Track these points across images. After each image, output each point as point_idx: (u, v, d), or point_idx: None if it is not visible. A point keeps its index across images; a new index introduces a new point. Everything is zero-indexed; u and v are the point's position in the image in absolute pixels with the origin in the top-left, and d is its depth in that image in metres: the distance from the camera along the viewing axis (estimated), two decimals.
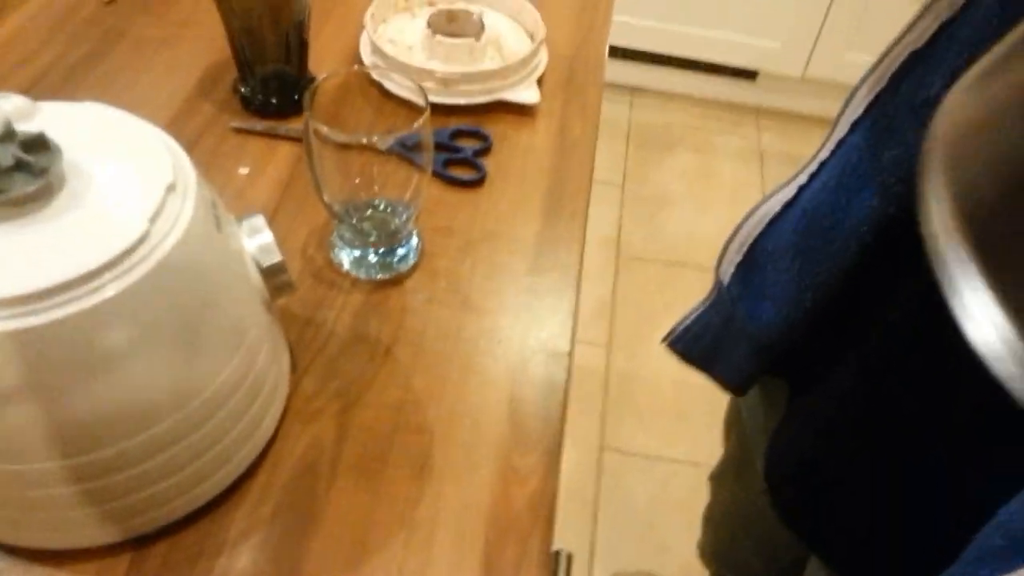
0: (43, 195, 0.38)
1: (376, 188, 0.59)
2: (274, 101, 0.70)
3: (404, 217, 0.60)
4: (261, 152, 0.68)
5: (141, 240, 0.37)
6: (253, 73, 0.70)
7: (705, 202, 1.99)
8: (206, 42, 0.76)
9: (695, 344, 0.61)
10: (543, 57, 0.78)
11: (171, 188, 0.40)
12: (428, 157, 0.57)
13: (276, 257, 0.47)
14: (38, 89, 0.70)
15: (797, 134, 2.18)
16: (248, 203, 0.64)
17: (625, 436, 1.51)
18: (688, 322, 0.61)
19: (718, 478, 0.85)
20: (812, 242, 0.49)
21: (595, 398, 1.56)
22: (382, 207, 0.60)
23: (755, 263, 0.54)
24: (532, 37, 0.80)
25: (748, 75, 2.15)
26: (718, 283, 0.57)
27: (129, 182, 0.40)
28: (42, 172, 0.38)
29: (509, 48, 0.78)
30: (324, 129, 0.53)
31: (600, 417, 1.53)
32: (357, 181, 0.58)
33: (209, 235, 0.42)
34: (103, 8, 0.79)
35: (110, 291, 0.36)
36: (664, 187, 2.01)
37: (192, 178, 0.42)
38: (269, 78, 0.70)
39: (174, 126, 0.69)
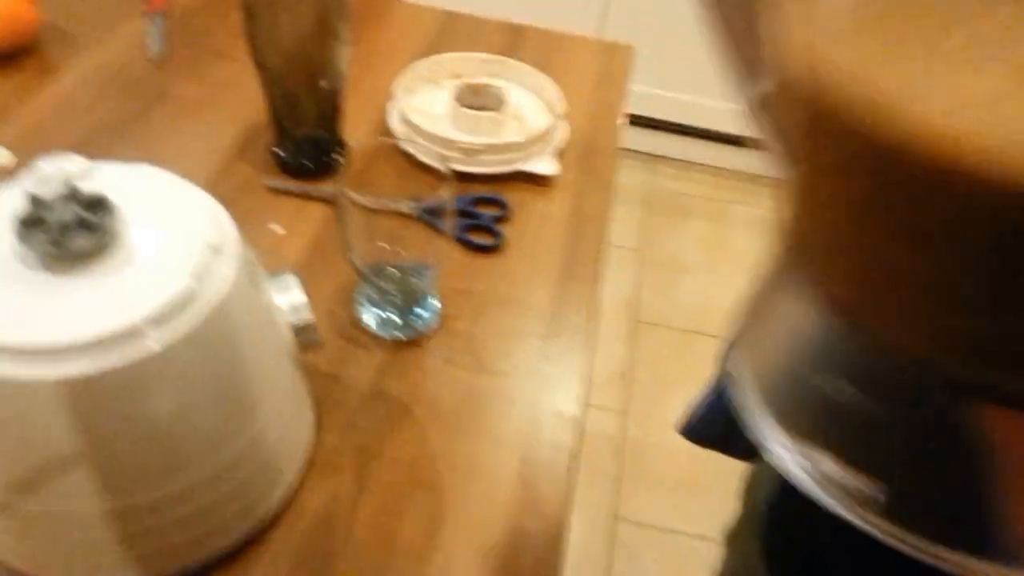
0: (99, 251, 0.41)
1: (400, 251, 0.62)
2: (308, 163, 0.74)
3: (425, 279, 0.63)
4: (294, 211, 0.71)
5: (187, 298, 0.41)
6: (289, 136, 0.74)
7: (720, 270, 2.02)
8: (246, 104, 0.81)
9: (708, 430, 0.62)
10: (562, 130, 0.82)
11: (215, 248, 0.43)
12: (450, 223, 0.60)
13: (307, 316, 0.50)
14: (89, 143, 0.74)
15: None
16: (280, 260, 0.67)
17: (639, 506, 1.51)
18: (700, 411, 0.62)
19: (729, 538, 0.86)
20: None
21: (609, 466, 1.56)
22: (405, 269, 0.64)
23: None
24: (552, 111, 0.84)
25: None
26: (723, 371, 0.57)
27: (177, 241, 0.43)
28: (100, 230, 0.41)
29: (530, 121, 0.83)
30: (354, 195, 0.56)
31: (614, 485, 1.53)
32: (382, 244, 0.61)
33: (247, 293, 0.45)
34: (151, 68, 0.84)
35: (156, 345, 0.39)
36: (680, 254, 2.05)
37: (233, 238, 0.45)
38: (304, 141, 0.74)
39: (213, 184, 0.72)
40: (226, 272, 0.43)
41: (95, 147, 0.74)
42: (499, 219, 0.74)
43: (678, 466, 1.55)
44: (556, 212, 0.76)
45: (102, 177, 0.45)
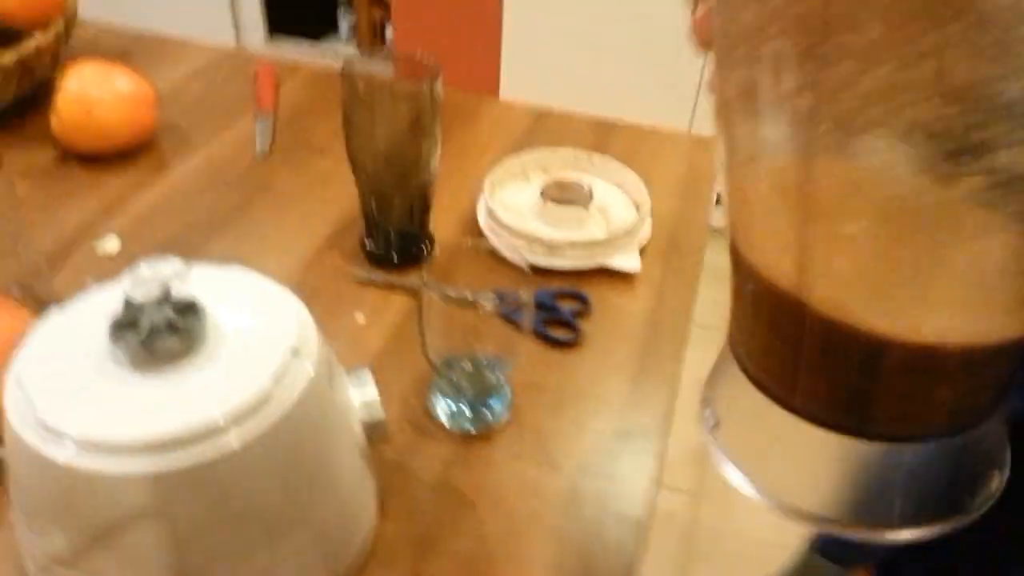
0: (186, 352, 0.44)
1: (476, 344, 0.63)
2: (395, 257, 0.77)
3: (499, 373, 0.64)
4: (378, 302, 0.74)
5: (265, 399, 0.42)
6: (379, 229, 0.77)
7: None
8: (341, 197, 0.85)
9: (836, 556, 0.59)
10: (647, 226, 0.83)
11: (295, 351, 0.45)
12: (528, 318, 0.61)
13: (379, 414, 0.51)
14: (192, 233, 0.79)
15: None
16: (362, 348, 0.69)
17: None
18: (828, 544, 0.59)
19: None
20: None
21: (675, 550, 1.51)
22: (479, 362, 0.65)
23: None
24: (637, 207, 0.84)
25: None
26: None
27: (260, 343, 0.45)
28: (187, 333, 0.43)
29: (615, 216, 0.83)
30: (435, 288, 0.58)
31: (682, 570, 1.48)
32: (459, 337, 0.63)
33: (323, 392, 0.47)
34: (255, 164, 0.89)
35: (235, 443, 0.41)
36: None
37: (314, 340, 0.47)
38: (393, 234, 0.77)
39: (304, 273, 0.76)
40: (304, 374, 0.45)
41: (199, 236, 0.79)
42: (579, 314, 0.74)
43: (749, 555, 1.49)
44: (637, 308, 0.76)
45: (195, 279, 0.48)
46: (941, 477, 0.30)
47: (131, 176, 0.86)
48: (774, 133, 0.27)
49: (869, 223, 0.25)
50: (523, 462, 0.62)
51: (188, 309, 0.44)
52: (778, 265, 0.29)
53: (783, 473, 0.34)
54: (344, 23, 2.92)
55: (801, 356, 0.30)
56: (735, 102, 0.28)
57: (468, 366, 0.64)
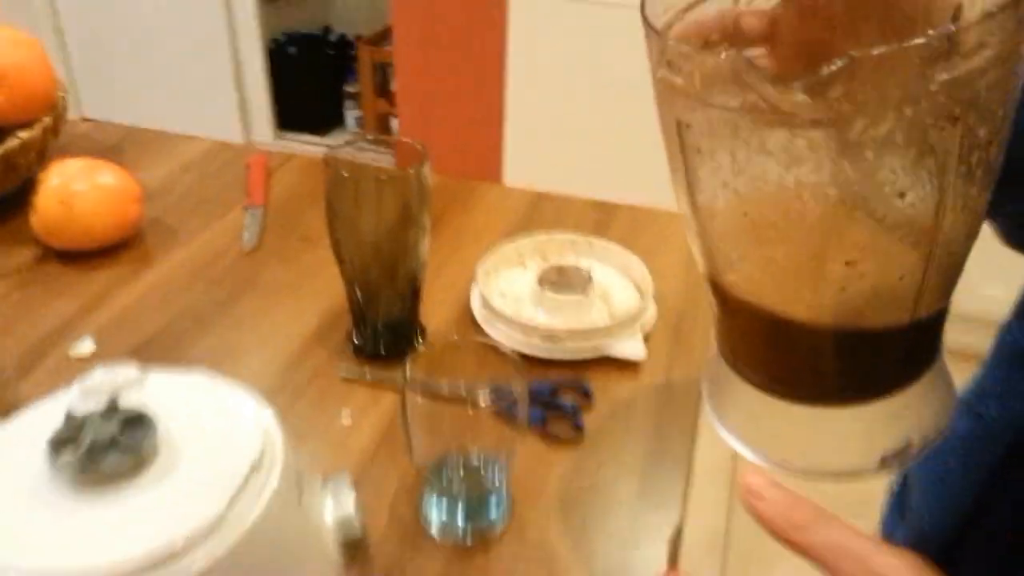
0: (132, 470, 0.39)
1: (469, 444, 0.59)
2: (382, 351, 0.73)
3: (496, 474, 0.59)
4: (365, 400, 0.69)
5: (221, 520, 0.38)
6: (366, 323, 0.73)
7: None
8: (329, 289, 0.81)
9: None
10: (651, 310, 0.78)
11: (257, 465, 0.40)
12: (523, 413, 0.56)
13: (355, 532, 0.46)
14: (172, 331, 0.75)
15: None
16: (347, 451, 0.64)
17: None
18: None
19: None
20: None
21: None
22: (472, 464, 0.59)
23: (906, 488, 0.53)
24: (640, 290, 0.80)
25: None
26: None
27: (216, 458, 0.41)
28: (135, 449, 0.39)
29: (617, 301, 0.79)
30: (422, 385, 0.53)
31: None
32: (451, 435, 0.58)
33: (288, 511, 0.42)
34: (242, 257, 0.86)
35: (187, 572, 0.36)
36: None
37: (279, 452, 0.42)
38: (381, 328, 0.73)
39: (288, 372, 0.72)
40: (266, 490, 0.40)
41: (180, 335, 0.75)
42: (581, 407, 0.70)
43: None
44: (643, 398, 0.71)
45: (152, 387, 0.44)
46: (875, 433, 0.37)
47: (113, 273, 0.83)
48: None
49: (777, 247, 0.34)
50: (524, 571, 0.56)
51: (137, 422, 0.40)
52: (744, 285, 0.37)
53: (771, 439, 0.40)
54: (350, 117, 2.96)
55: (759, 347, 0.39)
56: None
57: (461, 468, 0.59)
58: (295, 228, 0.91)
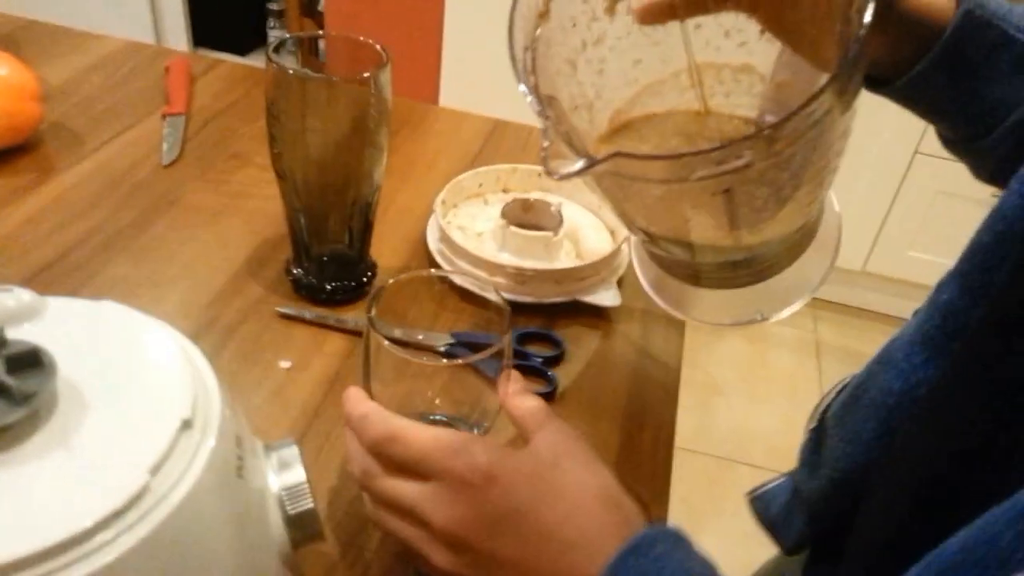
0: (25, 427, 0.30)
1: (436, 401, 0.50)
2: (328, 287, 0.63)
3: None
4: (308, 343, 0.60)
5: (137, 497, 0.29)
6: (309, 255, 0.63)
7: (758, 394, 1.88)
8: (262, 215, 0.71)
9: (770, 506, 0.57)
10: (625, 255, 0.71)
11: (186, 424, 0.31)
12: (506, 372, 0.48)
13: (306, 503, 0.37)
14: (77, 255, 0.64)
15: (855, 328, 2.10)
16: (287, 405, 0.55)
17: None
18: (771, 484, 0.58)
19: None
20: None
21: None
22: (444, 423, 0.51)
23: (823, 429, 0.52)
24: (613, 234, 0.73)
25: None
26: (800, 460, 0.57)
27: (135, 413, 0.32)
28: (27, 399, 0.29)
29: (587, 244, 0.72)
30: (385, 342, 0.45)
31: None
32: (412, 389, 0.50)
33: (227, 483, 0.33)
34: (160, 173, 0.75)
35: (100, 559, 0.27)
36: (716, 375, 1.92)
37: (216, 409, 0.33)
38: (326, 261, 0.64)
39: (215, 307, 0.62)
40: (200, 456, 0.31)
41: (85, 259, 0.64)
42: (551, 360, 0.62)
43: None
44: (618, 350, 0.64)
45: (51, 319, 0.35)
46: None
47: (5, 183, 0.70)
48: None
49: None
50: None
51: (30, 361, 0.31)
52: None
53: (680, 302, 0.57)
54: (273, 36, 2.76)
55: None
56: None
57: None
58: (223, 142, 0.80)
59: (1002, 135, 0.46)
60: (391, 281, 0.48)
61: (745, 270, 0.51)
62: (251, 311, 0.62)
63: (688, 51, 0.52)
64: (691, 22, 0.50)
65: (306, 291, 0.64)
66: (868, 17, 0.36)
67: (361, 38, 0.59)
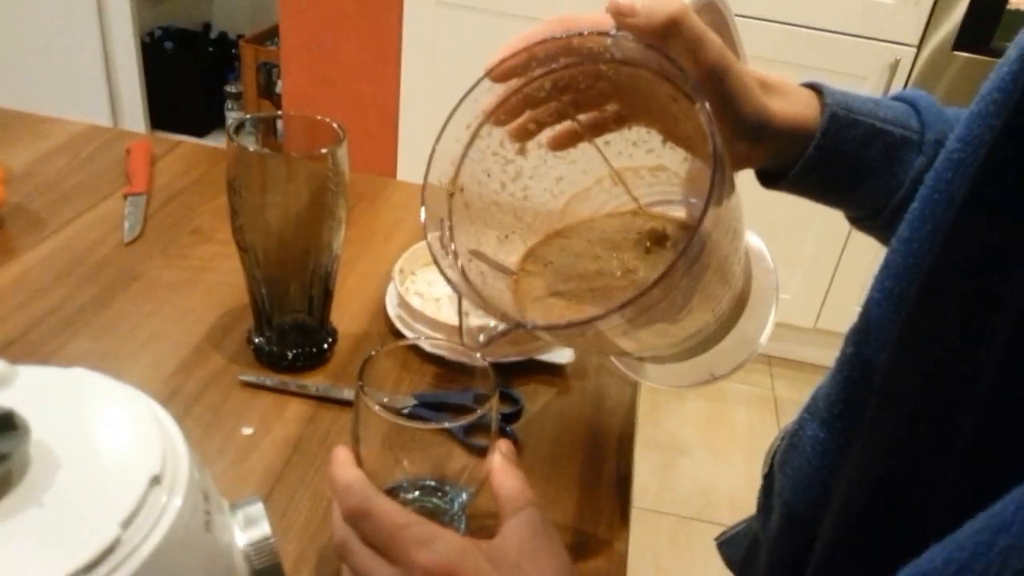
0: (1, 485, 0.31)
1: (424, 466, 0.51)
2: (290, 354, 0.65)
3: (456, 502, 0.52)
4: (269, 409, 0.62)
5: (108, 551, 0.30)
6: (271, 324, 0.65)
7: (720, 452, 1.91)
8: (223, 288, 0.73)
9: (737, 551, 0.59)
10: None
11: (155, 481, 0.33)
12: (494, 434, 0.50)
13: (272, 558, 0.39)
14: (35, 333, 0.65)
15: (810, 384, 2.14)
16: (250, 467, 0.57)
17: None
18: (736, 529, 0.60)
19: None
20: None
21: None
22: (411, 494, 0.52)
23: (773, 474, 0.55)
24: None
25: None
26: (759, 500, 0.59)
27: (106, 471, 0.33)
28: (2, 458, 0.31)
29: None
30: (375, 407, 0.46)
31: None
32: (399, 456, 0.50)
33: (195, 537, 0.34)
34: (122, 251, 0.76)
35: None
36: (678, 434, 1.94)
37: (184, 467, 0.35)
38: (287, 329, 0.66)
39: (178, 377, 0.63)
40: (168, 512, 0.33)
41: (48, 335, 0.65)
42: (510, 417, 0.64)
43: None
44: (574, 405, 0.66)
45: (22, 385, 0.36)
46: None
47: None
48: None
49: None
50: None
51: (3, 424, 0.32)
52: None
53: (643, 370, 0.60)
54: (231, 118, 2.81)
55: None
56: None
57: (413, 493, 0.52)
58: (184, 219, 0.82)
59: (890, 215, 0.50)
60: (375, 351, 0.50)
61: (687, 349, 0.54)
62: (213, 380, 0.63)
63: (606, 161, 0.55)
64: (599, 140, 0.53)
65: (268, 359, 0.65)
66: (713, 147, 0.39)
67: (319, 117, 0.62)
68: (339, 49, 2.03)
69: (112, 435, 0.35)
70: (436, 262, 0.48)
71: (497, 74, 0.47)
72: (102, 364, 0.63)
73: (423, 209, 0.50)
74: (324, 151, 0.59)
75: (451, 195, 0.51)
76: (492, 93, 0.49)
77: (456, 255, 0.50)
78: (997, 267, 0.34)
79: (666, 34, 0.41)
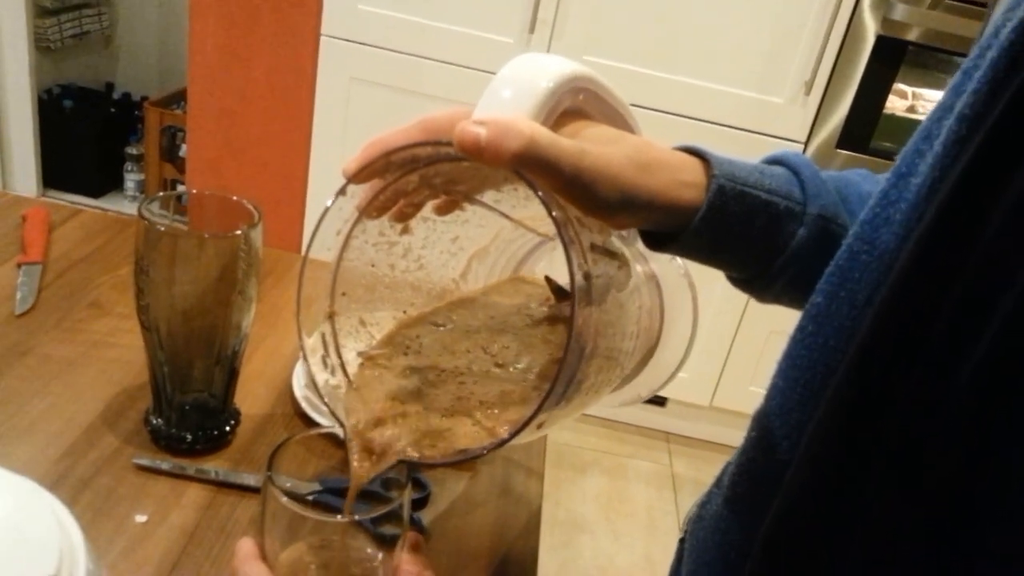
0: None
1: (330, 558, 0.50)
2: (189, 437, 0.63)
3: None
4: (165, 495, 0.59)
5: None
6: (170, 404, 0.63)
7: (619, 529, 1.92)
8: (120, 365, 0.70)
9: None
10: None
11: None
12: (404, 537, 0.49)
13: None
14: None
15: (706, 461, 2.20)
16: (144, 556, 0.54)
17: None
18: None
19: None
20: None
21: None
22: None
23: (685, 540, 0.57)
24: None
25: (659, 401, 2.21)
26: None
27: (3, 571, 0.31)
28: None
29: None
30: (283, 499, 0.44)
31: None
32: (306, 548, 0.48)
33: None
34: (13, 323, 0.73)
35: None
36: (578, 512, 1.94)
37: (82, 563, 0.33)
38: (187, 410, 0.64)
39: (68, 459, 0.60)
40: None
41: None
42: (417, 503, 0.63)
43: None
44: (482, 493, 0.66)
45: None
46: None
47: None
48: None
49: None
50: None
51: None
52: None
53: None
54: (130, 180, 2.73)
55: None
56: None
57: None
58: (81, 291, 0.79)
59: (767, 281, 0.51)
60: (288, 438, 0.48)
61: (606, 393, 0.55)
62: (106, 463, 0.61)
63: (501, 215, 0.54)
64: (489, 198, 0.52)
65: (165, 441, 0.63)
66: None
67: (234, 197, 0.62)
68: (248, 117, 2.02)
69: (8, 533, 0.33)
70: (321, 398, 0.48)
71: (359, 179, 0.46)
72: None
73: (301, 341, 0.49)
74: (239, 232, 0.59)
75: (331, 316, 0.51)
76: (355, 197, 0.48)
77: (344, 369, 0.50)
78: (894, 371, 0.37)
79: (516, 168, 0.41)
